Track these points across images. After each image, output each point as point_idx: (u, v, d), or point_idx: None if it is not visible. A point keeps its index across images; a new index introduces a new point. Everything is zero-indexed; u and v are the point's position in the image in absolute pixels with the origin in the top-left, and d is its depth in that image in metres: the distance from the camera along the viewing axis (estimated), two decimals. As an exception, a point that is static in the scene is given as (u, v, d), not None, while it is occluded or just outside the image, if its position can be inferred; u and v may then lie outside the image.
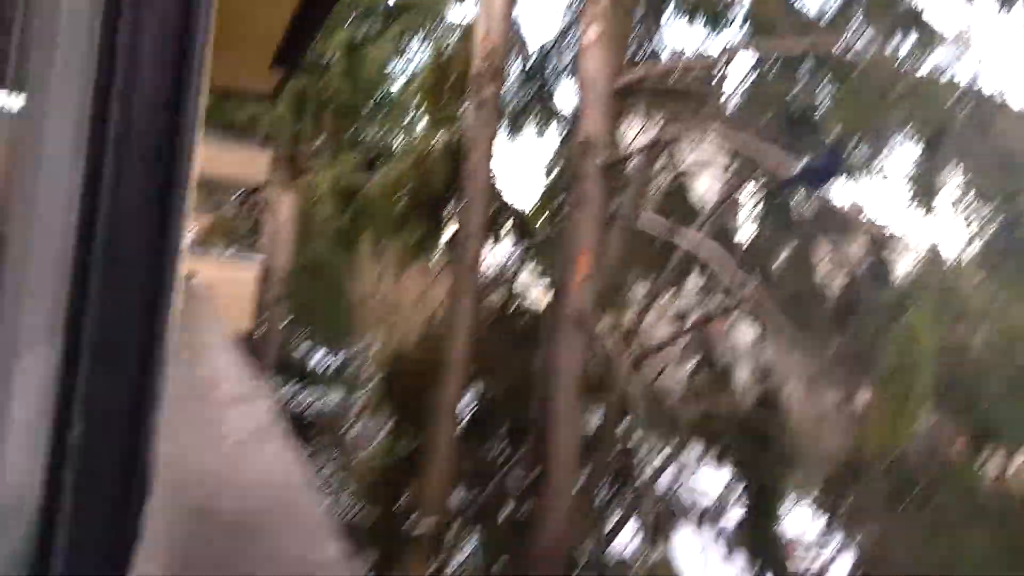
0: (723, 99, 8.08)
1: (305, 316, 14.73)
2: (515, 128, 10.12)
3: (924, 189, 5.79)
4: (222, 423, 3.06)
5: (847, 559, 6.63)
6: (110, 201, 0.75)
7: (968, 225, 5.72)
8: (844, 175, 6.32)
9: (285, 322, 14.52)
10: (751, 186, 8.09)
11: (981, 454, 4.92)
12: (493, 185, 9.09)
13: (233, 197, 15.39)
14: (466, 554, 8.97)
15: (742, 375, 9.03)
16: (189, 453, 2.34)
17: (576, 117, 8.29)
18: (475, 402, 9.48)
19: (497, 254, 9.98)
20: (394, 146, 13.16)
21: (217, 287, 7.41)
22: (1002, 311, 4.80)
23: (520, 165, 12.75)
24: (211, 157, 6.95)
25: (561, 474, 7.37)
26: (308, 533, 2.22)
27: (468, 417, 9.27)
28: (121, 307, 0.77)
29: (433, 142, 9.69)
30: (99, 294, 0.74)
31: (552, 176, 9.87)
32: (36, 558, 0.73)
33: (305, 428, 11.94)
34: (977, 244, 5.56)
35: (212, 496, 2.21)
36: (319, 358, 16.33)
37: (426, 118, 11.06)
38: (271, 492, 2.50)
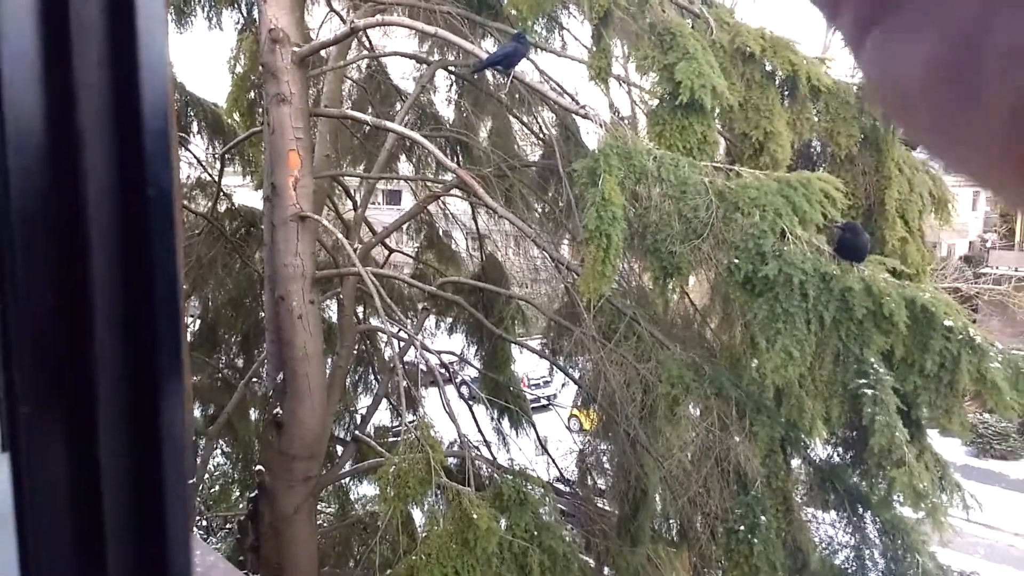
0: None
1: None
2: (182, 17, 9.28)
3: (598, 67, 6.60)
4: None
5: (571, 390, 7.84)
6: None
7: (637, 96, 6.74)
8: (530, 56, 6.92)
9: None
10: (446, 69, 8.44)
11: (666, 285, 6.07)
12: (173, 81, 8.43)
13: None
14: (215, 467, 8.93)
15: (463, 246, 9.77)
16: None
17: (255, 5, 7.89)
18: (198, 315, 9.15)
19: (191, 156, 9.38)
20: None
21: None
22: (671, 170, 5.83)
23: (203, 58, 11.72)
24: None
25: (306, 369, 7.55)
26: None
27: (193, 330, 8.96)
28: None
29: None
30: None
31: (240, 70, 9.32)
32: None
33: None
34: (644, 113, 6.58)
35: None
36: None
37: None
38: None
